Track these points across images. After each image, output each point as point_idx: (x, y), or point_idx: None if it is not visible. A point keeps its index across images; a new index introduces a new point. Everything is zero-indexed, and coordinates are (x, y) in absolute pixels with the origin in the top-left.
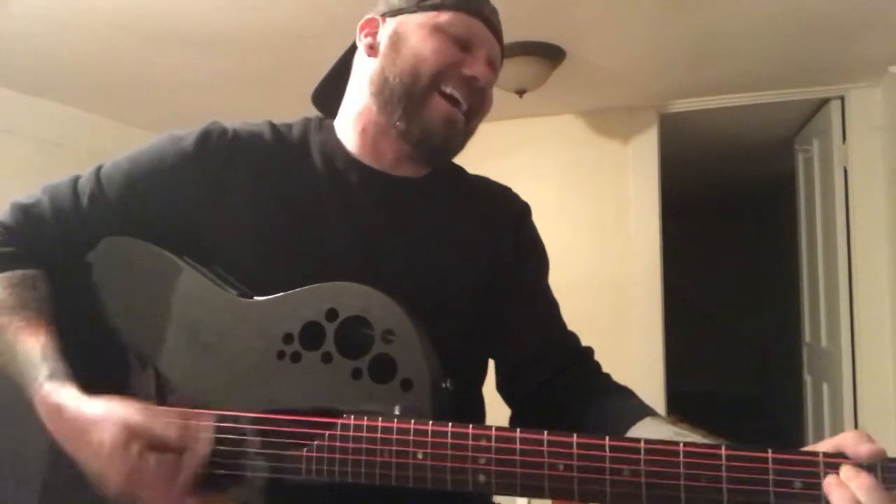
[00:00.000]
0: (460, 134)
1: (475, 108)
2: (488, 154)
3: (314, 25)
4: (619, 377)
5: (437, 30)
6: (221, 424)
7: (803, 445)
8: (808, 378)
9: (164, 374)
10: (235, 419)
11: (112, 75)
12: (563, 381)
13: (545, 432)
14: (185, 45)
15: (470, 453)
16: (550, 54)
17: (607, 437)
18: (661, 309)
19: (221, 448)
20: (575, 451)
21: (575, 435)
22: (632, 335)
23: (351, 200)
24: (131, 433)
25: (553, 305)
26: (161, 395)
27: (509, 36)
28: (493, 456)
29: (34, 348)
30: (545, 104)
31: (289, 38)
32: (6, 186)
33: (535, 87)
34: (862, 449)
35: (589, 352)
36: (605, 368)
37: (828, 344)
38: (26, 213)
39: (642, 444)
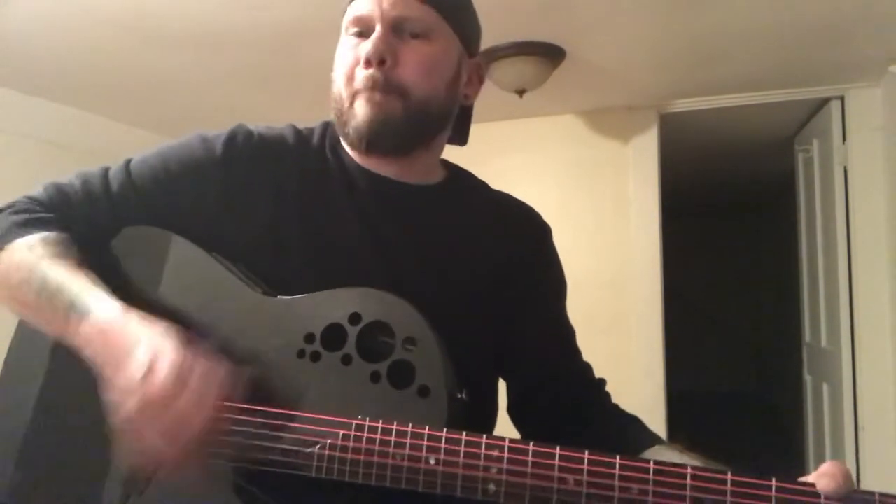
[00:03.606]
0: (379, 103)
1: (391, 75)
2: (488, 154)
3: (314, 25)
4: (619, 377)
5: (344, 36)
6: (236, 416)
7: (804, 446)
8: (808, 378)
9: None
10: (251, 413)
11: (112, 75)
12: (572, 412)
13: (557, 447)
14: (185, 45)
15: (482, 462)
16: (550, 54)
17: (618, 456)
18: (660, 308)
19: (234, 440)
20: (585, 466)
21: (586, 451)
22: (632, 335)
23: (365, 208)
24: (174, 367)
25: (568, 333)
26: None
27: (509, 36)
28: (504, 466)
29: (79, 282)
30: (545, 104)
31: (289, 38)
32: (6, 186)
33: (535, 87)
34: (819, 483)
35: (600, 383)
36: (605, 368)
37: (828, 344)
38: (59, 191)
39: (651, 465)
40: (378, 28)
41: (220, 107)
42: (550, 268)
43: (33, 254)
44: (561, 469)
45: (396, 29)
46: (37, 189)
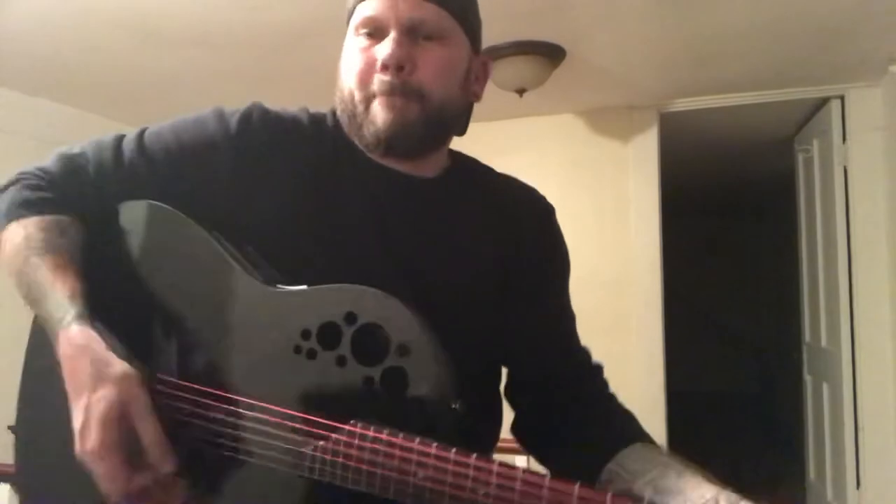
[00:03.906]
0: (398, 108)
1: (409, 80)
2: (488, 153)
3: (314, 25)
4: (619, 377)
5: (352, 37)
6: (230, 408)
7: (804, 446)
8: (808, 378)
9: (184, 346)
10: (249, 406)
11: (112, 75)
12: (567, 398)
13: (546, 477)
14: (184, 44)
15: (469, 483)
16: (550, 54)
17: (609, 494)
18: (661, 309)
19: (227, 430)
20: (575, 501)
21: (577, 485)
22: (632, 335)
23: (373, 199)
24: (123, 412)
25: (569, 319)
26: (182, 365)
27: (509, 36)
28: (491, 491)
29: (63, 288)
30: (545, 103)
31: (289, 38)
32: None
33: (535, 86)
34: None
35: (598, 369)
36: (606, 368)
37: (828, 344)
38: (70, 163)
39: (646, 502)
40: (394, 32)
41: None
42: (556, 249)
43: (28, 244)
44: (549, 501)
45: (411, 32)
46: (50, 158)
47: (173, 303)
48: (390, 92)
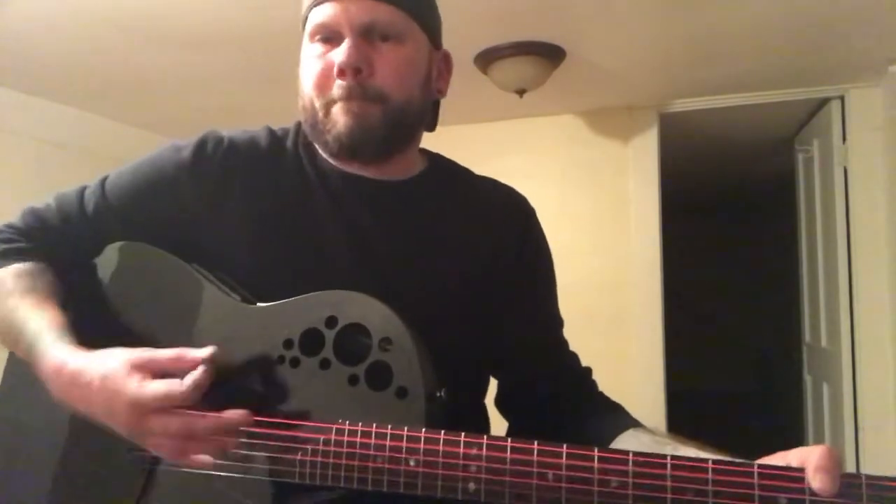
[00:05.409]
0: (357, 113)
1: (368, 83)
2: (488, 154)
3: None
4: (619, 377)
5: (308, 44)
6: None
7: (804, 446)
8: (808, 378)
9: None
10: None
11: (112, 75)
12: (558, 402)
13: (535, 442)
14: (184, 45)
15: (461, 461)
16: (550, 54)
17: (596, 449)
18: (661, 309)
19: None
20: (564, 461)
21: (565, 445)
22: (632, 335)
23: (343, 208)
24: (134, 366)
25: (556, 323)
26: None
27: (509, 36)
28: (483, 464)
29: (41, 321)
30: (545, 104)
31: (289, 38)
32: (6, 186)
33: (535, 87)
34: (815, 482)
35: (587, 372)
36: (605, 368)
37: (828, 344)
38: (35, 217)
39: (630, 456)
40: (348, 36)
41: (220, 107)
42: (539, 254)
43: (3, 289)
44: (539, 465)
45: (366, 34)
46: (17, 215)
47: (155, 334)
48: (349, 97)
